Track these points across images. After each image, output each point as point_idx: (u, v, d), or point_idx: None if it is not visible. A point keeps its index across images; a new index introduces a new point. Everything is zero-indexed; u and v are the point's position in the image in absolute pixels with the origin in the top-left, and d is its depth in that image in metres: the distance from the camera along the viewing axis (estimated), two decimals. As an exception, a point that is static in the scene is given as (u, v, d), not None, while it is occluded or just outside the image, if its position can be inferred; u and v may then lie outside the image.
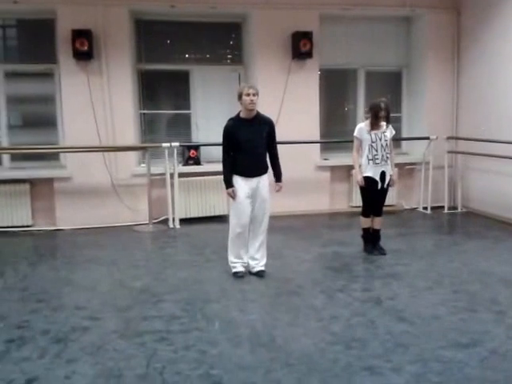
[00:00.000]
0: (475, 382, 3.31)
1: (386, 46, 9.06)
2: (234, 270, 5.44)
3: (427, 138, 8.59)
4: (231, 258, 5.46)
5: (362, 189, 6.17)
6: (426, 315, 4.39)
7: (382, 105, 6.00)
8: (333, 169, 8.62)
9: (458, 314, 4.42)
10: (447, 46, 8.79)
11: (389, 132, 6.14)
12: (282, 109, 8.25)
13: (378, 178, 6.05)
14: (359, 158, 6.15)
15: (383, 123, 6.08)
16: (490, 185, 8.23)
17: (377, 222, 6.23)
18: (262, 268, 5.46)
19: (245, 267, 5.47)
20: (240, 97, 5.18)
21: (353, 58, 8.92)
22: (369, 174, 6.07)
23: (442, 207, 8.73)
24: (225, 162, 5.33)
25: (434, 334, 4.04)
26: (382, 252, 6.20)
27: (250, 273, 5.48)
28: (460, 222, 8.33)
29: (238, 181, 5.30)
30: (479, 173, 8.51)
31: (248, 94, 5.10)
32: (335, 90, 9.18)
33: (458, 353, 3.71)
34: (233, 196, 5.28)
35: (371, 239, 6.27)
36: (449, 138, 8.73)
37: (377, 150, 6.05)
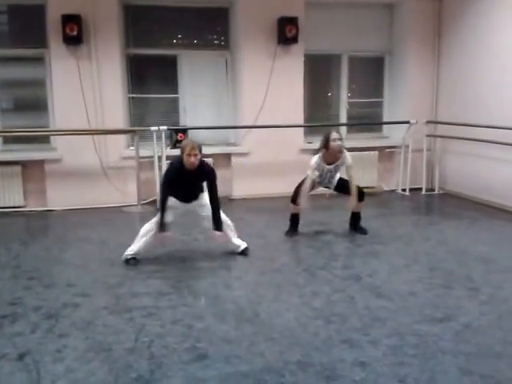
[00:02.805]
0: (449, 355, 3.41)
1: (370, 33, 9.12)
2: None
3: (407, 122, 8.72)
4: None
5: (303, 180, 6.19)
6: (402, 291, 4.51)
7: (334, 133, 6.00)
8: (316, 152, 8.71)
9: (434, 291, 4.55)
10: (429, 33, 8.88)
11: (342, 164, 6.08)
12: (268, 93, 8.34)
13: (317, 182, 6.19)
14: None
15: (343, 153, 6.02)
16: (466, 167, 8.41)
17: (357, 206, 6.23)
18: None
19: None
20: None
21: (337, 44, 8.98)
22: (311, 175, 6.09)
23: (420, 189, 8.89)
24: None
25: (410, 309, 4.15)
26: (363, 232, 6.34)
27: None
28: (437, 203, 8.48)
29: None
30: (456, 156, 8.68)
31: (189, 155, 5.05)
32: (319, 75, 9.25)
33: (433, 327, 3.82)
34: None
35: (296, 224, 6.37)
36: (428, 122, 8.87)
37: (324, 178, 6.18)
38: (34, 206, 7.81)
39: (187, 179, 5.25)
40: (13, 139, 7.91)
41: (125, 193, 8.00)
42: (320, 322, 3.95)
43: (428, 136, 8.88)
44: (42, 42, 7.73)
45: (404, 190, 8.88)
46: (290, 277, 4.93)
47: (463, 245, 5.93)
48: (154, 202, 7.88)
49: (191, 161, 5.07)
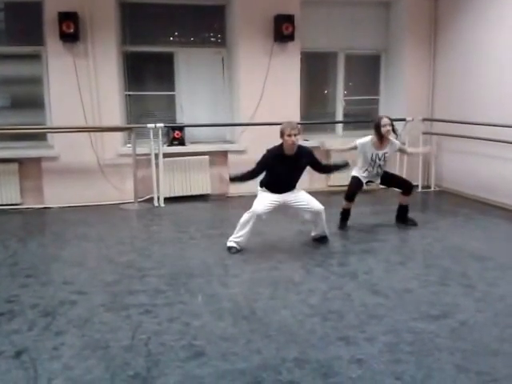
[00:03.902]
0: (445, 352, 3.43)
1: (366, 30, 9.13)
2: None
3: (404, 120, 8.72)
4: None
5: (352, 180, 6.46)
6: (399, 288, 4.53)
7: (385, 119, 6.21)
8: (312, 149, 8.69)
9: (430, 288, 4.56)
10: (425, 31, 8.89)
11: (390, 149, 6.35)
12: (265, 91, 8.34)
13: (364, 181, 6.42)
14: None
15: (390, 138, 6.28)
16: (462, 165, 8.43)
17: (405, 199, 6.56)
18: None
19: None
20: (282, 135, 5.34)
21: (333, 42, 8.99)
22: (357, 174, 6.41)
23: (416, 186, 8.83)
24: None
25: (406, 306, 4.17)
26: (413, 223, 6.57)
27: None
28: (433, 200, 8.51)
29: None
30: (452, 153, 8.70)
31: (290, 135, 5.26)
32: (316, 72, 9.25)
33: (429, 324, 3.83)
34: None
35: (347, 218, 6.53)
36: (424, 119, 8.90)
37: (372, 167, 6.36)
38: (30, 204, 7.80)
39: (288, 165, 5.38)
40: (10, 136, 7.88)
41: (122, 190, 7.99)
42: (317, 319, 3.96)
43: (424, 133, 8.88)
44: (38, 39, 7.71)
45: (400, 187, 8.86)
46: (287, 274, 4.94)
47: (459, 242, 5.95)
48: (151, 199, 7.92)
49: (292, 140, 5.24)
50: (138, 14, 8.24)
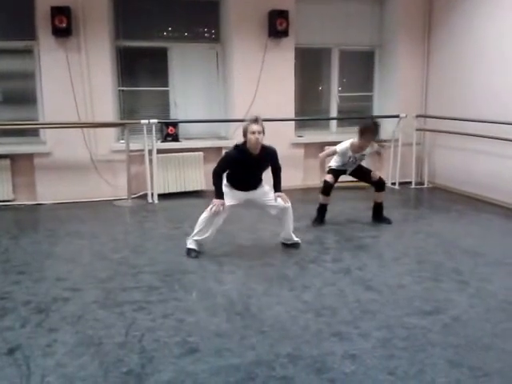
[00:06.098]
0: (438, 347, 3.45)
1: (360, 26, 9.13)
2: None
3: (397, 116, 8.75)
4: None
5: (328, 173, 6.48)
6: (392, 284, 4.55)
7: (371, 126, 6.25)
8: (306, 146, 8.76)
9: (423, 283, 4.59)
10: (419, 27, 8.91)
11: (368, 150, 6.35)
12: (259, 87, 8.33)
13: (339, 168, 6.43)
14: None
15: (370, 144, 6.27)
16: (455, 161, 8.46)
17: (379, 196, 6.53)
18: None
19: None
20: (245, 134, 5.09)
21: (327, 38, 8.98)
22: (332, 165, 6.47)
23: (410, 183, 8.94)
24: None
25: (399, 302, 4.19)
26: (388, 222, 6.53)
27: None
28: (426, 196, 8.52)
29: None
30: (445, 150, 8.73)
31: (253, 132, 4.99)
32: (310, 68, 9.24)
33: (422, 320, 3.85)
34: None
35: (324, 214, 6.54)
36: (418, 116, 8.91)
37: (344, 166, 6.43)
38: (23, 200, 7.76)
39: (252, 165, 5.17)
40: (1, 132, 7.81)
41: (115, 186, 7.96)
42: (310, 315, 3.97)
43: (418, 130, 8.90)
44: (30, 34, 7.65)
45: (394, 183, 8.90)
46: (281, 270, 4.95)
47: (452, 238, 5.98)
48: (145, 195, 7.90)
49: (256, 138, 4.97)
50: (131, 9, 8.19)
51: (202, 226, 5.26)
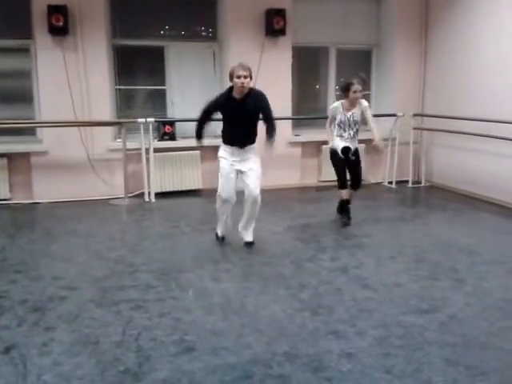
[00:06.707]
0: (435, 346, 3.46)
1: (357, 25, 9.13)
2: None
3: (394, 115, 8.76)
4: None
5: (332, 162, 6.36)
6: (388, 283, 4.56)
7: (355, 81, 6.08)
8: (304, 144, 8.75)
9: (419, 282, 4.59)
10: (416, 26, 8.92)
11: (358, 110, 6.20)
12: (256, 85, 8.28)
13: (339, 150, 6.22)
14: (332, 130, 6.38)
15: (359, 100, 6.16)
16: (452, 160, 8.47)
17: (351, 194, 6.42)
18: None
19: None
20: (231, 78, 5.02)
21: (324, 36, 8.97)
22: (334, 146, 6.30)
23: (407, 181, 8.95)
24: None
25: (396, 300, 4.20)
26: (346, 223, 6.41)
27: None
28: (423, 195, 8.54)
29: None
30: (443, 148, 8.74)
31: (239, 77, 4.93)
32: (307, 67, 9.24)
33: (419, 318, 3.86)
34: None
35: (348, 210, 6.45)
36: (415, 115, 8.92)
37: (344, 130, 6.25)
38: (19, 199, 7.74)
39: (239, 109, 5.04)
40: (-2, 131, 7.83)
41: (112, 185, 7.95)
42: (307, 313, 3.97)
43: (415, 129, 8.91)
44: (27, 32, 7.63)
45: (391, 182, 8.92)
46: (277, 269, 4.95)
47: (448, 236, 5.99)
48: (142, 194, 7.89)
49: (241, 82, 4.90)
50: (128, 8, 8.17)
51: (217, 216, 5.59)
